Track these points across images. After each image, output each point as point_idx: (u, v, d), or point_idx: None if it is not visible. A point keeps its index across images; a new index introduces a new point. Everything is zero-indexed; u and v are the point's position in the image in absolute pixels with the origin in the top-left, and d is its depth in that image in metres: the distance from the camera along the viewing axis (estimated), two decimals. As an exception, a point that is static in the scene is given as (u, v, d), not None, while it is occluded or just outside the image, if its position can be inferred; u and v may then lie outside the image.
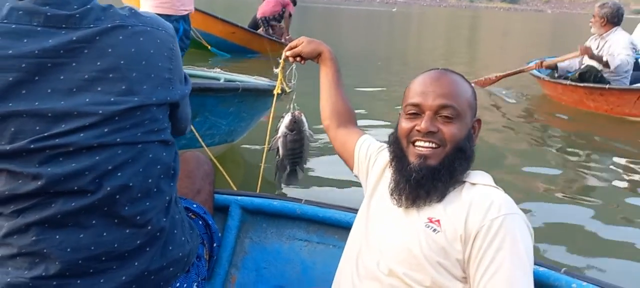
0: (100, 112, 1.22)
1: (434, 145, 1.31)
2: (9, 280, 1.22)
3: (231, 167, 2.74)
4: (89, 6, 1.27)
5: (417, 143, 1.32)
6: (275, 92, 1.79)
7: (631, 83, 5.91)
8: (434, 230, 1.27)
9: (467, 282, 1.26)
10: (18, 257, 1.23)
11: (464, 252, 1.25)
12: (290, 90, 1.77)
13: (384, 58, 11.67)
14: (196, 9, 4.19)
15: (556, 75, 6.44)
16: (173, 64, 1.37)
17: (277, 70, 1.77)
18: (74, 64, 1.22)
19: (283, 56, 1.76)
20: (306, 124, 1.72)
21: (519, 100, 6.91)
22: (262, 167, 2.05)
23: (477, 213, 1.25)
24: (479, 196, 1.29)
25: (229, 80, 3.91)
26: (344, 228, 1.76)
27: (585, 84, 5.87)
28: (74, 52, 1.22)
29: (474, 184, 1.33)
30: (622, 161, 4.58)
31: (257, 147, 4.09)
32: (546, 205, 3.50)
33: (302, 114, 1.71)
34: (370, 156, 1.58)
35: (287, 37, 10.06)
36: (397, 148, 1.37)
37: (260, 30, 9.98)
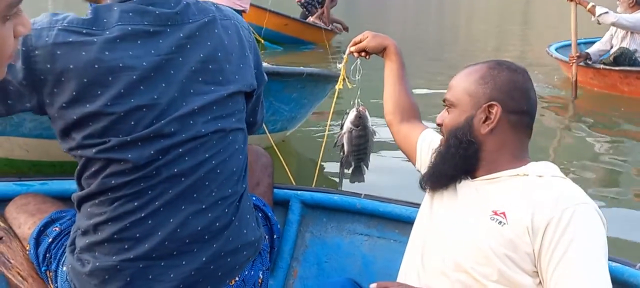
0: (203, 101, 1.32)
1: (443, 135, 1.40)
2: (98, 264, 1.30)
3: (286, 159, 2.76)
4: (184, 3, 1.35)
5: None
6: (337, 87, 1.79)
7: None
8: (500, 222, 1.25)
9: (538, 276, 1.23)
10: (107, 243, 1.30)
11: (532, 245, 1.22)
12: (353, 85, 1.76)
13: (433, 47, 11.45)
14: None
15: (590, 62, 6.06)
16: (256, 54, 1.51)
17: (340, 66, 1.76)
18: (180, 59, 1.32)
19: (347, 51, 1.74)
20: (369, 119, 1.71)
21: (542, 87, 6.42)
22: (319, 161, 2.05)
23: (546, 205, 1.22)
24: (547, 187, 1.26)
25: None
26: (405, 222, 1.75)
27: (621, 68, 5.59)
28: (181, 48, 1.32)
29: (540, 176, 1.30)
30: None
31: (311, 140, 4.11)
32: (604, 198, 3.37)
33: (366, 110, 1.70)
34: (432, 149, 1.56)
35: (331, 25, 10.02)
36: None
37: (309, 19, 9.99)
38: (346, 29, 10.37)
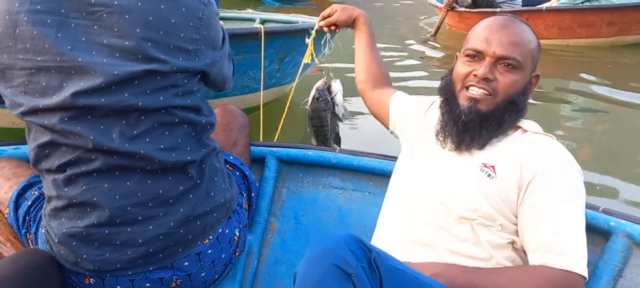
0: (116, 72, 1.24)
1: (486, 92, 1.30)
2: (64, 230, 1.32)
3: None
4: None
5: (470, 88, 1.32)
6: (303, 61, 1.80)
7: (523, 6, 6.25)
8: (489, 175, 1.28)
9: (516, 225, 1.28)
10: (70, 208, 1.31)
11: (518, 196, 1.26)
12: (318, 61, 1.77)
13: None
14: None
15: (456, 6, 6.70)
16: (201, 33, 1.35)
17: (308, 41, 1.77)
18: (95, 27, 1.26)
19: (316, 26, 1.75)
20: None
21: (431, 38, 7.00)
22: (282, 118, 2.07)
23: (532, 160, 1.26)
24: (533, 143, 1.30)
25: (265, 20, 4.20)
26: (379, 175, 1.77)
27: (479, 10, 6.28)
28: (94, 14, 1.26)
29: (525, 131, 1.33)
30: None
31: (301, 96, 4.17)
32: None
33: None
34: (406, 107, 1.59)
35: None
36: (449, 91, 1.38)
37: None
38: None
